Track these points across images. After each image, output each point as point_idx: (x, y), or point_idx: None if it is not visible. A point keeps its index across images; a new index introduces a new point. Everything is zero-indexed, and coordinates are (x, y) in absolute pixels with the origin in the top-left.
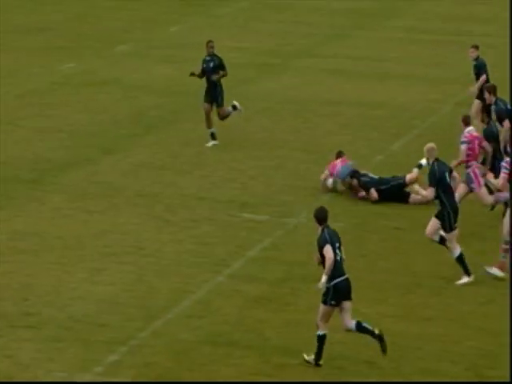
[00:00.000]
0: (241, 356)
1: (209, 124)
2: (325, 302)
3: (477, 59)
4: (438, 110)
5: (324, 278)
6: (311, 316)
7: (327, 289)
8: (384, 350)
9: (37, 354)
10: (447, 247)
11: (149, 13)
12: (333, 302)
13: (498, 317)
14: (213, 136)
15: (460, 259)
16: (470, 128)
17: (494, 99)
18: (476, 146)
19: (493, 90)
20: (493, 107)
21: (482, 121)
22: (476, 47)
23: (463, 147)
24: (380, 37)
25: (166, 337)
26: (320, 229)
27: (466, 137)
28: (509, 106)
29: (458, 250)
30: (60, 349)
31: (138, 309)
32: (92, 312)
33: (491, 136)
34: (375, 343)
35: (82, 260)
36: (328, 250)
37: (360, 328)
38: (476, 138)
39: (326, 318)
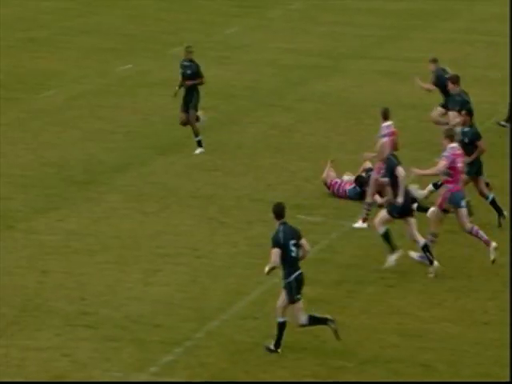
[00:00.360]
0: (296, 358)
1: (196, 132)
2: (292, 301)
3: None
4: (495, 111)
5: (267, 268)
6: (366, 319)
7: (289, 285)
8: (337, 335)
9: (94, 354)
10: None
11: (203, 15)
12: (298, 296)
13: None
14: (199, 143)
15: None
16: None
17: (458, 89)
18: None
19: (457, 81)
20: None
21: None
22: (434, 61)
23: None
24: (435, 38)
25: (220, 338)
26: (277, 224)
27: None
28: (467, 99)
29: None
30: (116, 348)
31: (192, 310)
32: (147, 312)
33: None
34: (428, 343)
35: (137, 261)
36: (275, 254)
37: (314, 321)
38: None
39: (300, 313)
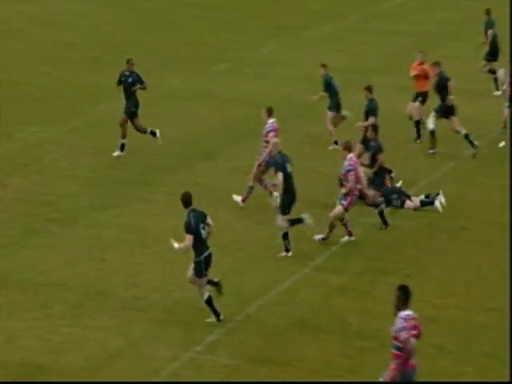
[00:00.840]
0: (325, 340)
1: (123, 134)
2: (200, 276)
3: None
4: None
5: (178, 246)
6: (386, 306)
7: (198, 263)
8: (219, 291)
9: (145, 334)
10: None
11: (244, 36)
12: (206, 273)
13: None
14: (122, 147)
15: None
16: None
17: (371, 97)
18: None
19: (370, 89)
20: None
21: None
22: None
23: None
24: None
25: (257, 321)
26: (187, 212)
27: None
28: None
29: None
30: (165, 329)
31: (233, 296)
32: (193, 298)
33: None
34: (441, 327)
35: (184, 252)
36: (189, 239)
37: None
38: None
39: (203, 288)
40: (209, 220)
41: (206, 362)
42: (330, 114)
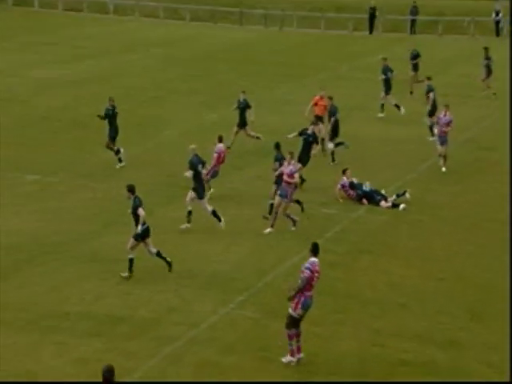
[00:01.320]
0: (321, 300)
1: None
2: (136, 239)
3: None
4: None
5: (139, 228)
6: (364, 275)
7: (141, 231)
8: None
9: (192, 296)
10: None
11: (263, 81)
12: (140, 240)
13: (487, 269)
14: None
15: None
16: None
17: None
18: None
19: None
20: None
21: None
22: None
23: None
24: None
25: (273, 287)
26: (133, 197)
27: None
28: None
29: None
30: (208, 293)
31: (255, 269)
32: (227, 270)
33: None
34: (404, 291)
35: (220, 237)
36: (141, 212)
37: (159, 255)
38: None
39: (134, 247)
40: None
41: (237, 315)
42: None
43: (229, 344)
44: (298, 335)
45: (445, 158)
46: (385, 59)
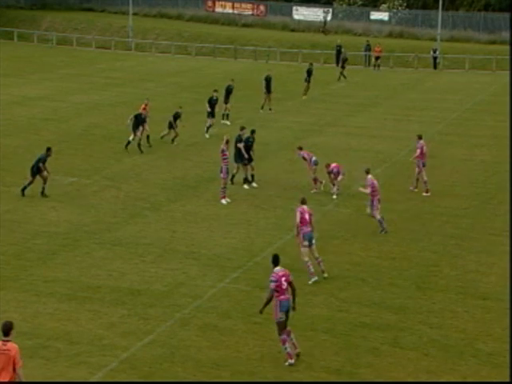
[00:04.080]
0: (297, 276)
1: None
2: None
3: None
4: None
5: None
6: (337, 257)
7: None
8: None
9: (197, 273)
10: None
11: (253, 103)
12: None
13: (430, 252)
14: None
15: None
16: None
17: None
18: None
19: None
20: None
21: None
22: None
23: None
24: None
25: (262, 266)
26: None
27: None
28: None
29: None
30: (209, 271)
31: (246, 251)
32: (225, 252)
33: None
34: (364, 268)
35: (221, 225)
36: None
37: None
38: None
39: None
40: None
41: (232, 288)
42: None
43: (226, 311)
44: (288, 334)
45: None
46: None
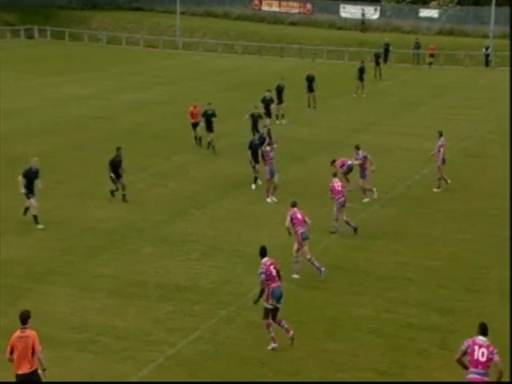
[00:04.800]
0: (342, 275)
1: None
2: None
3: None
4: None
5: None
6: (384, 257)
7: None
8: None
9: (242, 271)
10: None
11: (299, 101)
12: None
13: (479, 253)
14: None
15: None
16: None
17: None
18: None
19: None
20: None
21: None
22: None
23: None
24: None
25: (308, 265)
26: None
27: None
28: None
29: None
30: (254, 269)
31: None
32: (270, 250)
33: None
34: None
35: (264, 226)
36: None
37: None
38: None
39: None
40: None
41: None
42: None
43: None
44: (279, 323)
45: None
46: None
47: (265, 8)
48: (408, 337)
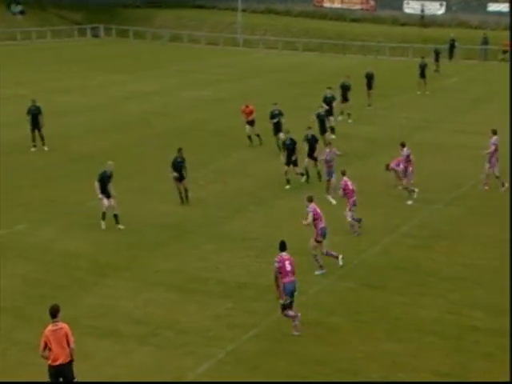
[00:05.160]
0: (405, 275)
1: None
2: None
3: None
4: None
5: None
6: (447, 257)
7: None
8: None
9: (302, 269)
10: None
11: (361, 99)
12: None
13: None
14: None
15: None
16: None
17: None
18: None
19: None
20: None
21: None
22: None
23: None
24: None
25: (369, 263)
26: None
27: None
28: None
29: None
30: (314, 267)
31: (352, 248)
32: (329, 249)
33: None
34: None
35: (332, 221)
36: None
37: None
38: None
39: None
40: None
41: (337, 286)
42: None
43: (331, 308)
44: (295, 318)
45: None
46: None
47: (327, 5)
48: (472, 340)
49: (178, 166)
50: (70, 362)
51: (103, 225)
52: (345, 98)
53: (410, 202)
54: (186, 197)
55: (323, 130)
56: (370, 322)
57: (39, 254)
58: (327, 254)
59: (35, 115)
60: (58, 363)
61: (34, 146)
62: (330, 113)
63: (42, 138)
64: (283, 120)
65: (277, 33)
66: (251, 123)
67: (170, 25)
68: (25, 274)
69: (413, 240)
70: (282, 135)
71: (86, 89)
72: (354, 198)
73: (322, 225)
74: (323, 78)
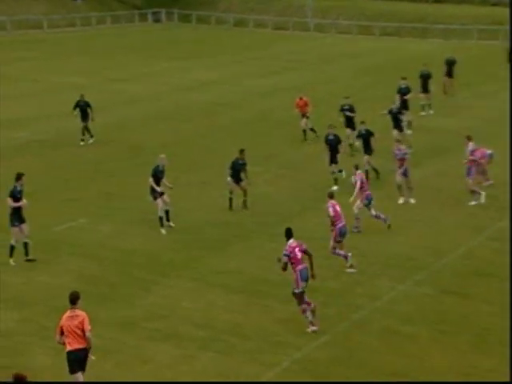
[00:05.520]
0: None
1: None
2: None
3: None
4: None
5: None
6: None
7: None
8: None
9: (374, 272)
10: None
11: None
12: None
13: None
14: None
15: None
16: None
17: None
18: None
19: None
20: None
21: None
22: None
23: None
24: None
25: (451, 268)
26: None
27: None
28: None
29: None
30: (388, 270)
31: (432, 251)
32: (406, 251)
33: None
34: None
35: (406, 221)
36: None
37: None
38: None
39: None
40: None
41: (414, 291)
42: None
43: (407, 316)
44: (312, 310)
45: None
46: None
47: None
48: None
49: (238, 167)
50: (85, 349)
51: (163, 231)
52: (425, 89)
53: (473, 203)
54: (245, 202)
55: (397, 127)
56: (452, 332)
57: (96, 250)
58: (336, 253)
59: (84, 110)
60: (71, 348)
61: (83, 140)
62: (404, 106)
63: (89, 131)
64: (353, 115)
65: (350, 16)
66: (306, 116)
67: (234, 9)
68: (80, 270)
69: (499, 244)
70: (348, 131)
71: (147, 76)
72: (368, 191)
73: (340, 224)
74: (401, 65)
